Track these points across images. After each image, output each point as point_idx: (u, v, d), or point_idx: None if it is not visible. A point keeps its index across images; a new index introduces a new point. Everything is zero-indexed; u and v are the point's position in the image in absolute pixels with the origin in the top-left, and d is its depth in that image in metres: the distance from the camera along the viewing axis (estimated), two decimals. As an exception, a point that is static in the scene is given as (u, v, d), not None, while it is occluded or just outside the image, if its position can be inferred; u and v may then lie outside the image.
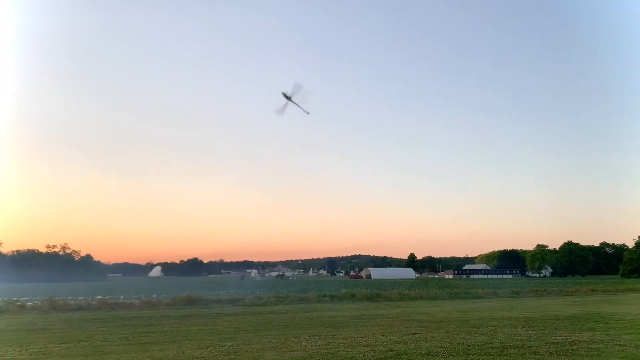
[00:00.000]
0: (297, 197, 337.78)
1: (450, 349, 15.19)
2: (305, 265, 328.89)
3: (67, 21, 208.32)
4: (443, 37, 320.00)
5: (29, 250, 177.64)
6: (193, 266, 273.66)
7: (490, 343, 16.39)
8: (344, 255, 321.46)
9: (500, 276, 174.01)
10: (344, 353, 14.74)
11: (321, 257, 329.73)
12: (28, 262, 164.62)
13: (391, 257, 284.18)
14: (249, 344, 16.80)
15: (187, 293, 43.41)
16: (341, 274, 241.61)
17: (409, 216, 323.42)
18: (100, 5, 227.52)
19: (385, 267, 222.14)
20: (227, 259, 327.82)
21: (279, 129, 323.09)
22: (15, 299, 40.61)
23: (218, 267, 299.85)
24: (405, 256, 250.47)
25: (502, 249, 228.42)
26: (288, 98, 28.21)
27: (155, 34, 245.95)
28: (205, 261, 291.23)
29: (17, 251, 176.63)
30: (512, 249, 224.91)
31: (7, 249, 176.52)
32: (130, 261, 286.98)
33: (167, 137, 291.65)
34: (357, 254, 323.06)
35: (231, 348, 16.04)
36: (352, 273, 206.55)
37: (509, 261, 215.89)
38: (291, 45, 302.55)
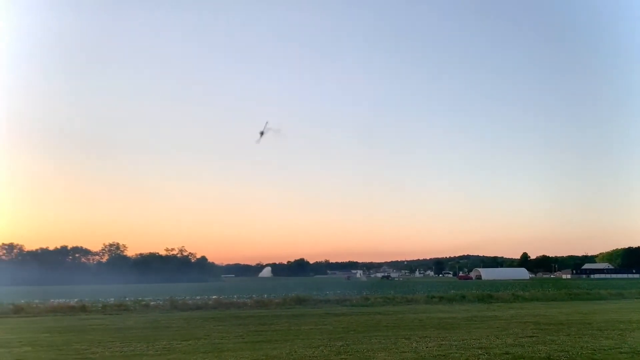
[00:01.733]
0: (402, 197, 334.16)
1: (572, 353, 14.23)
2: (411, 266, 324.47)
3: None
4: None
5: (150, 253, 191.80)
6: (299, 267, 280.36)
7: (619, 348, 15.14)
8: (452, 256, 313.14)
9: (625, 276, 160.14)
10: (457, 355, 14.31)
11: (427, 258, 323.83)
12: (149, 264, 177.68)
13: (502, 256, 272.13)
14: (359, 344, 16.82)
15: (296, 293, 44.48)
16: (449, 275, 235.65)
17: (520, 213, 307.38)
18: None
19: (496, 267, 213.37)
20: (332, 260, 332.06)
21: (384, 128, 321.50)
22: (140, 298, 43.88)
23: (323, 267, 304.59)
24: (517, 256, 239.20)
25: (627, 247, 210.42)
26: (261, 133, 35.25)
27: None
28: (311, 262, 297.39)
29: (140, 254, 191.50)
30: (639, 246, 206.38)
31: (131, 253, 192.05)
32: (242, 262, 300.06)
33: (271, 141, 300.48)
34: (466, 254, 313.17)
35: (342, 348, 16.15)
36: (460, 274, 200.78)
37: (635, 259, 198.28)
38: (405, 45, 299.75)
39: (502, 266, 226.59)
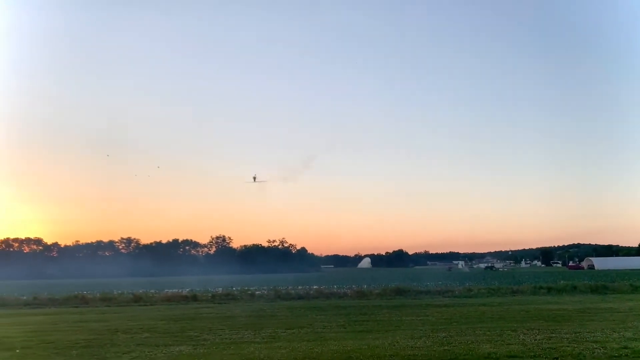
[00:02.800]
0: (504, 183, 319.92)
1: None
2: (516, 256, 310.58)
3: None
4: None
5: (253, 245, 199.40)
6: (398, 257, 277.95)
7: None
8: (561, 245, 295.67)
9: None
10: (568, 349, 13.58)
11: (534, 247, 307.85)
12: (252, 255, 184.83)
13: (617, 245, 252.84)
14: (462, 336, 16.47)
15: (395, 284, 44.29)
16: (558, 265, 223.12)
17: (638, 196, 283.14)
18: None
19: (611, 256, 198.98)
20: (432, 251, 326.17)
21: (482, 117, 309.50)
22: (246, 288, 45.84)
23: (423, 258, 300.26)
24: (635, 244, 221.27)
25: None
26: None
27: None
28: (410, 253, 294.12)
29: (244, 246, 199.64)
30: None
31: (236, 245, 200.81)
32: (340, 253, 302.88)
33: (374, 129, 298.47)
34: (576, 242, 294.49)
35: (445, 339, 15.90)
36: (571, 263, 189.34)
37: None
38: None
39: (617, 255, 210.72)
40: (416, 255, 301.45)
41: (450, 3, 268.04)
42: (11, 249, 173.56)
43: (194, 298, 36.78)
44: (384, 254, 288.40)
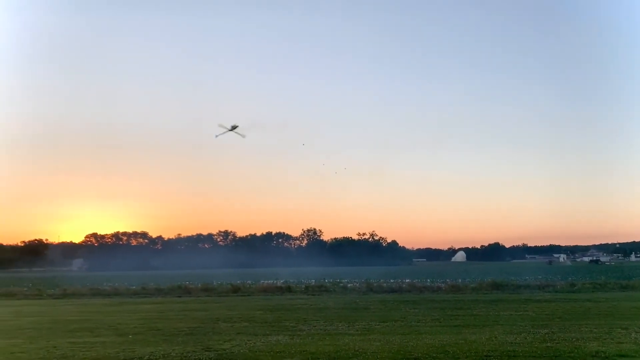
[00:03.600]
0: (608, 171, 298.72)
1: None
2: (624, 249, 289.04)
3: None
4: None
5: (343, 237, 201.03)
6: (494, 251, 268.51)
7: None
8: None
9: None
10: (690, 350, 12.51)
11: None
12: (343, 248, 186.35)
13: None
14: (566, 332, 15.65)
15: (492, 278, 42.86)
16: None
17: None
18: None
19: None
20: (530, 244, 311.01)
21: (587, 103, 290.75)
22: (337, 280, 46.35)
23: (521, 251, 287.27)
24: None
25: None
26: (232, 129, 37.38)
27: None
28: (507, 246, 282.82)
29: (335, 239, 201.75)
30: None
31: (327, 237, 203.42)
32: (433, 246, 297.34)
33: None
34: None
35: (547, 335, 15.19)
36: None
37: None
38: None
39: None
40: (513, 248, 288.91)
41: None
42: (120, 242, 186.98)
43: (288, 289, 37.74)
44: (478, 247, 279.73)
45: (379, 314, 22.25)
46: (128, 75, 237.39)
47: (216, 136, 39.22)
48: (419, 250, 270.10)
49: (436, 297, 31.68)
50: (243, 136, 39.30)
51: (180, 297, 35.53)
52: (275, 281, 46.63)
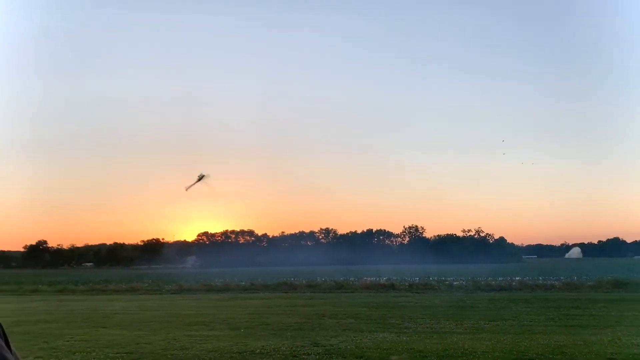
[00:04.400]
0: None
1: None
2: None
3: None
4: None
5: (447, 234, 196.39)
6: (614, 246, 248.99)
7: None
8: None
9: None
10: None
11: None
12: (446, 245, 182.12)
13: None
14: None
15: (613, 276, 39.84)
16: None
17: None
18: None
19: None
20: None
21: None
22: (442, 278, 45.34)
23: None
24: None
25: None
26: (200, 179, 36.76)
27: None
28: (628, 241, 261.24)
29: (438, 235, 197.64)
30: None
31: (429, 234, 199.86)
32: (544, 242, 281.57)
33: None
34: None
35: (680, 339, 13.88)
36: None
37: None
38: None
39: None
40: (636, 243, 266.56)
41: None
42: (229, 240, 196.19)
43: (391, 287, 37.52)
44: (595, 242, 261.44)
45: (487, 312, 21.49)
46: (215, 73, 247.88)
47: (186, 189, 41.26)
48: (529, 246, 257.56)
49: (549, 295, 30.00)
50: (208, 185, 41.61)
51: (286, 292, 36.54)
52: (378, 278, 46.51)
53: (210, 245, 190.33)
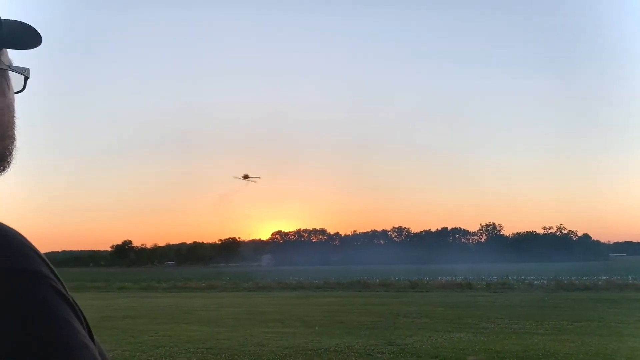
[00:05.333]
0: None
1: None
2: None
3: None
4: None
5: (527, 232, 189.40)
6: None
7: None
8: None
9: None
10: None
11: None
12: (526, 243, 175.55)
13: None
14: None
15: None
16: None
17: None
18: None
19: None
20: None
21: None
22: (522, 277, 43.71)
23: None
24: None
25: None
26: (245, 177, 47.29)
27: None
28: None
29: (517, 233, 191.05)
30: None
31: (508, 232, 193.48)
32: (634, 239, 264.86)
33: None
34: None
35: None
36: None
37: None
38: None
39: None
40: None
41: None
42: (302, 239, 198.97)
43: (468, 286, 36.59)
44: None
45: (570, 313, 20.50)
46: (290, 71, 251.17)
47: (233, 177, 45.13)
48: (616, 243, 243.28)
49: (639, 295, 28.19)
50: (255, 181, 45.14)
51: (359, 291, 36.51)
52: (453, 278, 45.52)
53: (284, 244, 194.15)
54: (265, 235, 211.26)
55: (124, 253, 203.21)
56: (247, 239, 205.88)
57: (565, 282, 35.99)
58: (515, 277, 43.79)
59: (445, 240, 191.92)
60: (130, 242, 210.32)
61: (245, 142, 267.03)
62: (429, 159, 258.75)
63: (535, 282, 37.86)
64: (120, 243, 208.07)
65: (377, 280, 42.57)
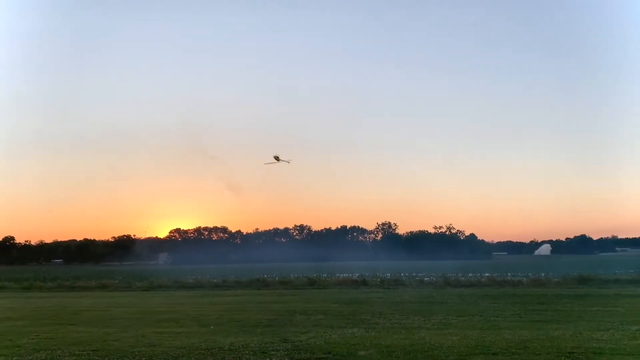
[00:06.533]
0: None
1: None
2: None
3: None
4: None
5: (419, 231, 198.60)
6: (581, 243, 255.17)
7: None
8: None
9: None
10: None
11: None
12: (419, 241, 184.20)
13: None
14: (660, 330, 14.71)
15: (578, 272, 40.85)
16: None
17: None
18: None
19: None
20: (621, 235, 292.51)
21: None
22: (414, 274, 45.89)
23: (611, 244, 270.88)
24: None
25: None
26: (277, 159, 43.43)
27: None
28: (594, 238, 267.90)
29: (410, 232, 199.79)
30: None
31: (402, 231, 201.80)
32: (514, 239, 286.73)
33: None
34: None
35: (637, 332, 14.37)
36: None
37: None
38: None
39: None
40: (602, 240, 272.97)
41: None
42: (202, 237, 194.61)
43: (363, 283, 37.82)
44: (563, 239, 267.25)
45: (456, 308, 21.86)
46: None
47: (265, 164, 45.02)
48: (499, 243, 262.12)
49: (517, 291, 30.63)
50: (288, 162, 45.98)
51: (259, 289, 36.49)
52: (350, 275, 46.84)
53: (183, 242, 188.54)
54: (162, 233, 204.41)
55: (5, 250, 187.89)
56: (143, 237, 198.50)
57: (452, 278, 38.28)
58: (407, 274, 45.88)
59: (344, 238, 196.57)
60: (12, 238, 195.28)
61: (143, 138, 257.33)
62: (331, 159, 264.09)
63: (426, 279, 39.95)
64: (0, 240, 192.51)
65: (277, 278, 42.78)
